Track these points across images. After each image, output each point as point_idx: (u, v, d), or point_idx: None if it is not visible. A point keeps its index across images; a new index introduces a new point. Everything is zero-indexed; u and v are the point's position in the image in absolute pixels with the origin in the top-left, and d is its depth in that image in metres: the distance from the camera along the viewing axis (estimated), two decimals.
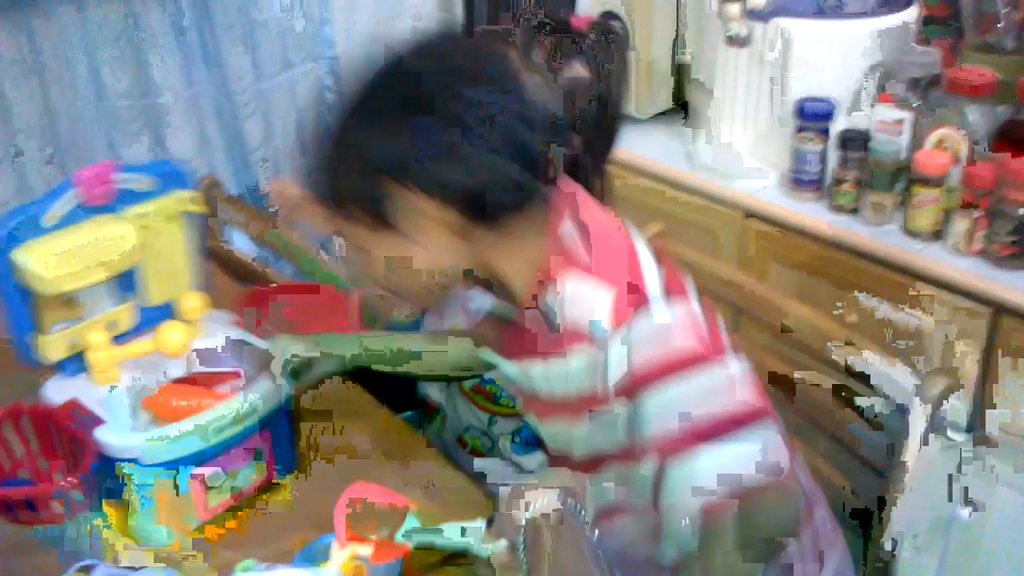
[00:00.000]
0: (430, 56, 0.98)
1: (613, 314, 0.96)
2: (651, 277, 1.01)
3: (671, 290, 1.00)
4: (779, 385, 1.29)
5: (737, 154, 2.01)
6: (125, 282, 1.24)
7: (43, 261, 1.12)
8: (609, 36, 1.09)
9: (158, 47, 2.17)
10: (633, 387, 0.96)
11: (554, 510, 0.94)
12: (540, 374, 1.06)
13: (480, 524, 1.01)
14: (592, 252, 1.00)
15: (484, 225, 0.99)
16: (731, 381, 0.97)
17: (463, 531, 1.02)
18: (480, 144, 0.94)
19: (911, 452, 1.08)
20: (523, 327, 1.05)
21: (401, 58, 0.98)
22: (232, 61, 2.25)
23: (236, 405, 1.12)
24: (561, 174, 1.04)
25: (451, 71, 0.97)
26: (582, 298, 0.98)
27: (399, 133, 0.95)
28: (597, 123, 1.19)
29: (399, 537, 1.05)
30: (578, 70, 1.12)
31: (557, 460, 1.14)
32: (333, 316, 1.28)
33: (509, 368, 1.12)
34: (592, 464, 1.09)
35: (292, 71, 2.43)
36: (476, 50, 1.01)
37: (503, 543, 0.98)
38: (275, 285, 1.31)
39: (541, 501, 0.95)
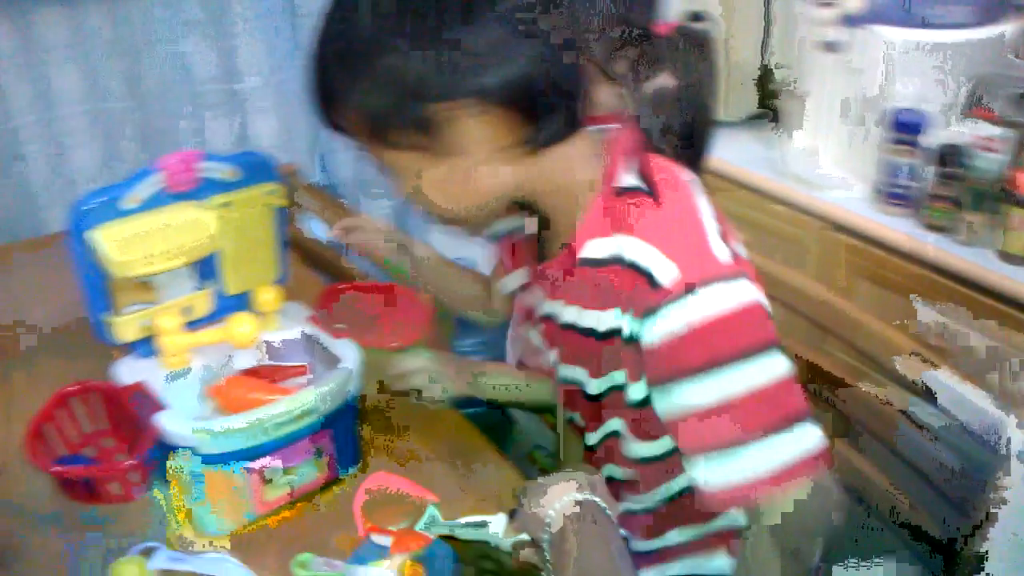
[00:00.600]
0: None
1: (672, 283, 0.92)
2: (719, 250, 0.96)
3: (737, 267, 0.96)
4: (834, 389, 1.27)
5: (825, 163, 1.96)
6: (205, 269, 1.23)
7: (115, 243, 1.12)
8: (696, 42, 1.05)
9: (244, 31, 2.19)
10: (679, 365, 0.93)
11: (577, 505, 0.92)
12: (572, 315, 1.04)
13: (502, 517, 0.99)
14: (659, 214, 0.96)
15: (534, 139, 0.95)
16: (781, 375, 0.93)
17: (485, 524, 1.00)
18: (525, 45, 0.90)
19: (1008, 483, 1.04)
20: (563, 267, 1.02)
21: None
22: None
23: (299, 401, 1.11)
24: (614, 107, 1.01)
25: None
26: (638, 259, 0.94)
27: (442, 46, 0.90)
28: (687, 132, 1.15)
29: (419, 528, 1.04)
30: (664, 79, 1.08)
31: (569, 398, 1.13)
32: (406, 314, 1.26)
33: (541, 300, 1.10)
34: (597, 416, 1.09)
35: None
36: None
37: (525, 537, 0.96)
38: (349, 284, 1.30)
39: (566, 498, 0.93)
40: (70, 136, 2.08)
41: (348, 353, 1.19)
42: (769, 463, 0.92)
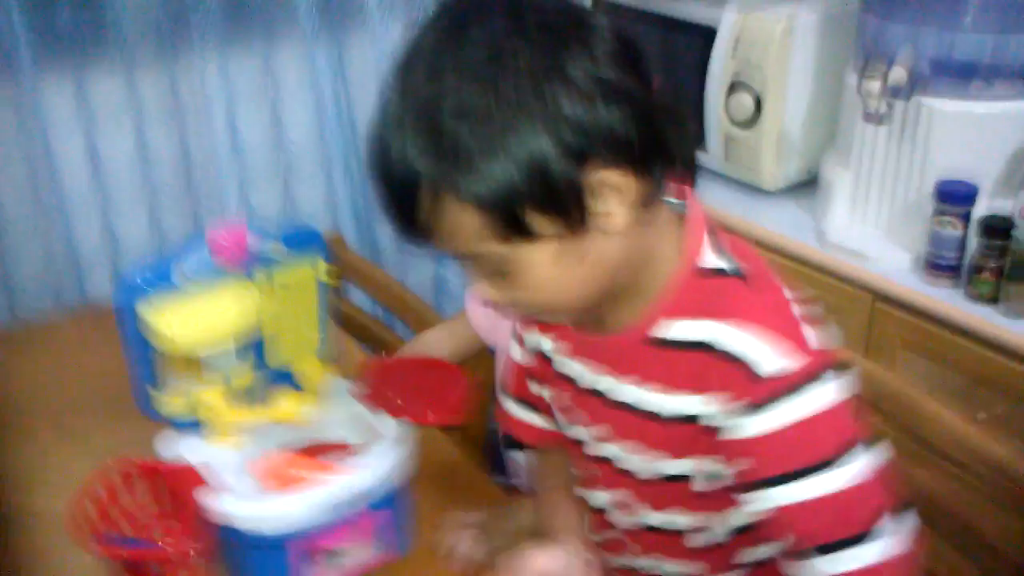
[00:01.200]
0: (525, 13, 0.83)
1: (779, 376, 0.87)
2: (813, 338, 0.92)
3: (834, 355, 0.92)
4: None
5: (870, 234, 1.94)
6: (249, 344, 1.23)
7: (169, 321, 1.12)
8: (670, 115, 1.02)
9: (292, 99, 2.22)
10: (790, 462, 0.89)
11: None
12: (631, 395, 0.99)
13: None
14: (756, 302, 0.92)
15: (646, 199, 0.87)
16: (875, 468, 0.91)
17: None
18: (625, 84, 0.83)
19: None
20: (628, 343, 0.97)
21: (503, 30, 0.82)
22: (363, 117, 2.28)
23: (347, 483, 1.11)
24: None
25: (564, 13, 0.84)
26: (740, 350, 0.89)
27: (557, 97, 0.79)
28: None
29: None
30: None
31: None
32: (446, 389, 1.26)
33: (585, 375, 1.05)
34: (653, 494, 1.04)
35: None
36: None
37: None
38: (390, 357, 1.31)
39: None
40: (119, 202, 2.10)
41: (390, 429, 1.19)
42: (883, 550, 0.90)
